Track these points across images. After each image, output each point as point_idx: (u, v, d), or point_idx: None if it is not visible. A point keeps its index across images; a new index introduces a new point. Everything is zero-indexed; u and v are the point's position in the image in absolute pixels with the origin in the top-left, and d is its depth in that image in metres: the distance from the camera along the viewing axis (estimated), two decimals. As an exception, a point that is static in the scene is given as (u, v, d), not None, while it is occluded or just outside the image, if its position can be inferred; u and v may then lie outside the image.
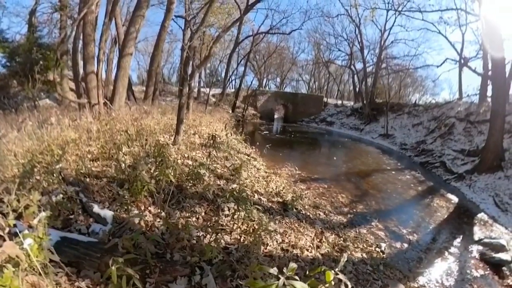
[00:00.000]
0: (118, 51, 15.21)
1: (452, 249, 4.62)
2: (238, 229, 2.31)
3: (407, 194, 7.38)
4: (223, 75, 38.60)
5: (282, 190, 4.12)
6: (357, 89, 31.13)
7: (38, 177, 2.70)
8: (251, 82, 33.66)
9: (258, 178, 4.49)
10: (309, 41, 36.17)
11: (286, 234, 2.70)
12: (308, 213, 3.77)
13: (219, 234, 2.05)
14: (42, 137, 3.87)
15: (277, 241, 2.47)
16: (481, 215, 6.56)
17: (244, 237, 2.18)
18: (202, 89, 28.93)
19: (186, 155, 4.40)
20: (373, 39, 42.54)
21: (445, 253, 4.45)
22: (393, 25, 25.26)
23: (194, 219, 2.40)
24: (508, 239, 5.38)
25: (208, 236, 1.99)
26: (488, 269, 4.21)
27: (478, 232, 5.53)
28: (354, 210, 5.40)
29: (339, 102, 33.21)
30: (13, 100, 8.34)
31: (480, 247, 4.81)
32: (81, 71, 10.22)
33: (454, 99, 19.75)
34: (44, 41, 9.07)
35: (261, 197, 3.39)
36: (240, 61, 31.07)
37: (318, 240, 2.92)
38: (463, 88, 19.61)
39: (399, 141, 17.66)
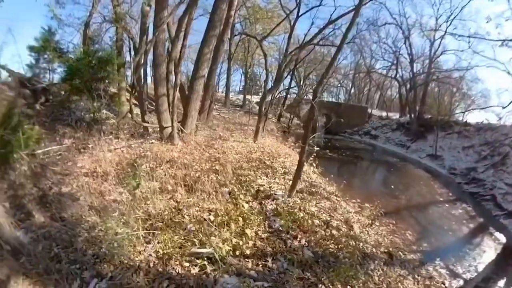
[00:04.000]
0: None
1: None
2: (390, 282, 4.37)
3: (461, 232, 8.96)
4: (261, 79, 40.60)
5: (377, 236, 6.11)
6: (403, 102, 31.07)
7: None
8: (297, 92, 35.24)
9: (358, 224, 6.49)
10: (351, 49, 36.22)
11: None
12: (398, 257, 5.74)
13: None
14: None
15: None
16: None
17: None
18: (247, 96, 30.12)
19: (308, 211, 5.30)
20: (419, 46, 41.03)
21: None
22: (444, 34, 24.47)
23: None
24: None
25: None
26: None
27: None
28: (420, 248, 7.23)
29: (384, 114, 33.21)
30: (73, 113, 8.81)
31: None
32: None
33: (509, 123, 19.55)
34: (101, 55, 9.23)
35: (377, 250, 5.43)
36: (288, 73, 32.77)
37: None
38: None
39: (448, 164, 18.12)
